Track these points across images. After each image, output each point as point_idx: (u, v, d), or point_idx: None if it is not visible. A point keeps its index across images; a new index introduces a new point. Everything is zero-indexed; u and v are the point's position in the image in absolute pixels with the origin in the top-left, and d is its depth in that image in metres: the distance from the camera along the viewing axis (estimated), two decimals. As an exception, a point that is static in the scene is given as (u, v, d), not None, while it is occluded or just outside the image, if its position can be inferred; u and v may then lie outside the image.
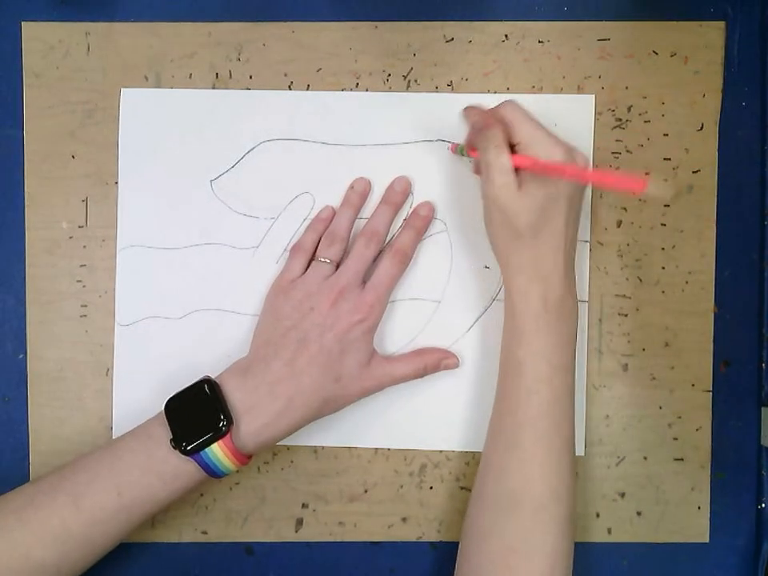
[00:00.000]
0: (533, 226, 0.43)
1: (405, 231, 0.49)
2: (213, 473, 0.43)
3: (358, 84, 0.50)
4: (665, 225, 0.50)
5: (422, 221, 0.49)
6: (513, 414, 0.44)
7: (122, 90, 0.50)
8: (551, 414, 0.44)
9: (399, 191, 0.49)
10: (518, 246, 0.44)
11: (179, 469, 0.43)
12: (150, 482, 0.43)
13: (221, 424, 0.42)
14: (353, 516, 0.50)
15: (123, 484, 0.42)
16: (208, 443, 0.42)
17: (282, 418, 0.44)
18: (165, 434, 0.43)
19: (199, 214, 0.50)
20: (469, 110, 0.46)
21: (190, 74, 0.50)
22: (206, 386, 0.44)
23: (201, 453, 0.42)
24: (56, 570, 0.42)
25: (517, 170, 0.43)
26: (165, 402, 0.44)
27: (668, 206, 0.50)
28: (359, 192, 0.49)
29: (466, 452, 0.50)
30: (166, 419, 0.43)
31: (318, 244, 0.48)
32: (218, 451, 0.42)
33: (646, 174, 0.50)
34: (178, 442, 0.42)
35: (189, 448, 0.42)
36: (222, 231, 0.50)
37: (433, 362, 0.48)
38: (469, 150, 0.47)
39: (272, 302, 0.47)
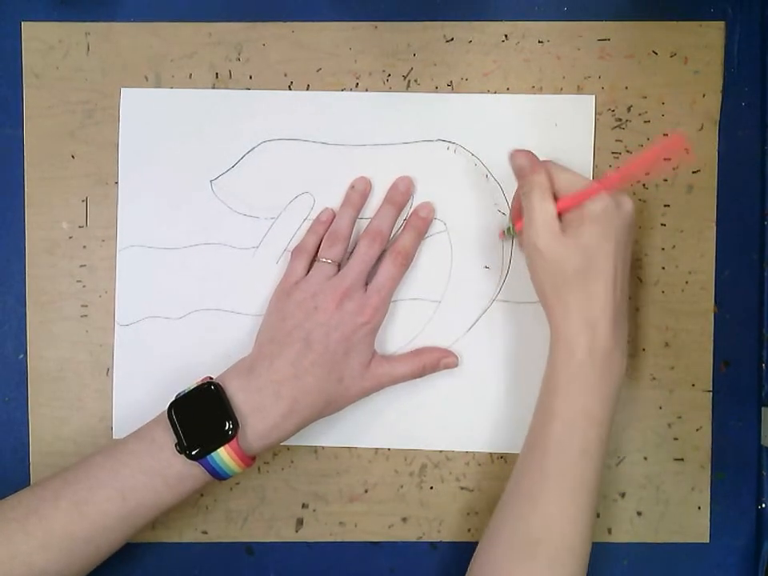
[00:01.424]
0: (579, 269, 0.42)
1: (405, 232, 0.49)
2: (218, 476, 0.43)
3: (357, 84, 0.50)
4: (665, 225, 0.50)
5: (423, 221, 0.49)
6: (539, 463, 0.43)
7: (121, 89, 0.50)
8: (579, 469, 0.42)
9: (402, 191, 0.49)
10: (565, 292, 0.43)
11: (184, 473, 0.43)
12: (155, 487, 0.42)
13: (227, 428, 0.42)
14: (353, 516, 0.50)
15: (127, 489, 0.42)
16: (214, 448, 0.42)
17: (287, 419, 0.44)
18: (169, 437, 0.43)
19: (199, 214, 0.50)
20: (515, 153, 0.45)
21: (190, 74, 0.50)
22: (210, 388, 0.44)
23: (207, 457, 0.42)
24: (58, 575, 0.42)
25: (560, 216, 0.43)
26: (168, 405, 0.44)
27: (668, 206, 0.50)
28: (360, 191, 0.49)
29: (466, 452, 0.50)
30: (169, 423, 0.43)
31: (319, 246, 0.48)
32: (224, 455, 0.42)
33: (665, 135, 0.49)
34: (183, 447, 0.42)
35: (194, 453, 0.42)
36: (222, 231, 0.50)
37: (432, 361, 0.48)
38: (516, 220, 0.47)
39: (276, 303, 0.47)
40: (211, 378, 0.45)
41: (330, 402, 0.45)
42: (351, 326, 0.45)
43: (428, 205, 0.49)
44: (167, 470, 0.42)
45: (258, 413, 0.43)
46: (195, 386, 0.44)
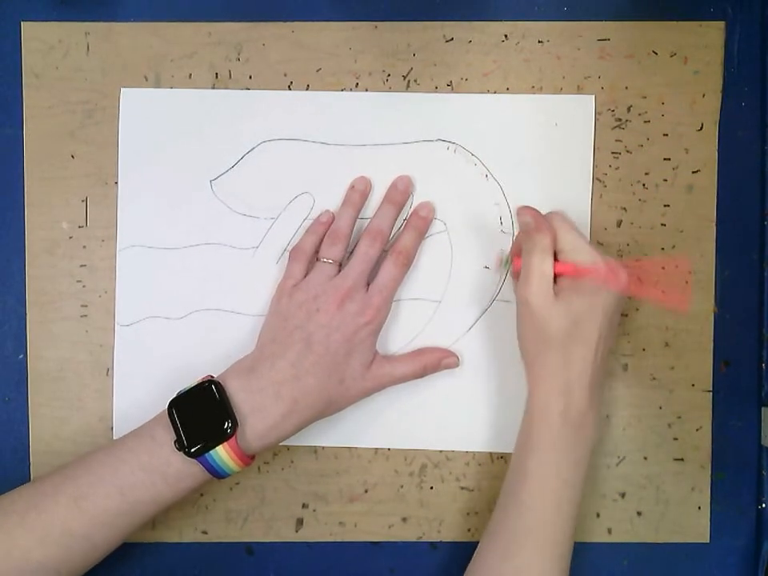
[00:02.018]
0: (564, 333, 0.43)
1: (406, 232, 0.49)
2: (217, 474, 0.43)
3: (357, 84, 0.50)
4: (665, 225, 0.50)
5: (423, 221, 0.49)
6: (513, 523, 0.44)
7: (121, 89, 0.50)
8: (553, 528, 0.43)
9: (401, 190, 0.49)
10: (547, 354, 0.44)
11: (183, 470, 0.43)
12: (154, 484, 0.43)
13: (226, 426, 0.42)
14: (353, 516, 0.50)
15: (126, 486, 0.42)
16: (213, 446, 0.42)
17: (287, 420, 0.44)
18: (168, 435, 0.43)
19: (199, 214, 0.50)
20: (522, 210, 0.45)
21: (190, 74, 0.50)
22: (210, 386, 0.44)
23: (205, 455, 0.42)
24: (56, 571, 0.42)
25: (555, 278, 0.44)
26: (168, 402, 0.44)
27: (668, 205, 0.50)
28: (360, 191, 0.49)
29: (466, 452, 0.50)
30: (169, 420, 0.43)
31: (319, 247, 0.48)
32: (222, 453, 0.42)
33: (686, 282, 0.49)
34: (182, 445, 0.42)
35: (193, 450, 0.42)
36: (222, 231, 0.50)
37: (432, 361, 0.48)
38: (515, 256, 0.47)
39: (277, 304, 0.47)
40: (212, 377, 0.45)
41: (331, 402, 0.45)
42: (353, 326, 0.45)
43: (428, 204, 0.49)
44: (166, 468, 0.43)
45: (257, 412, 0.44)
46: (196, 384, 0.44)
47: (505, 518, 0.44)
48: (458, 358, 0.49)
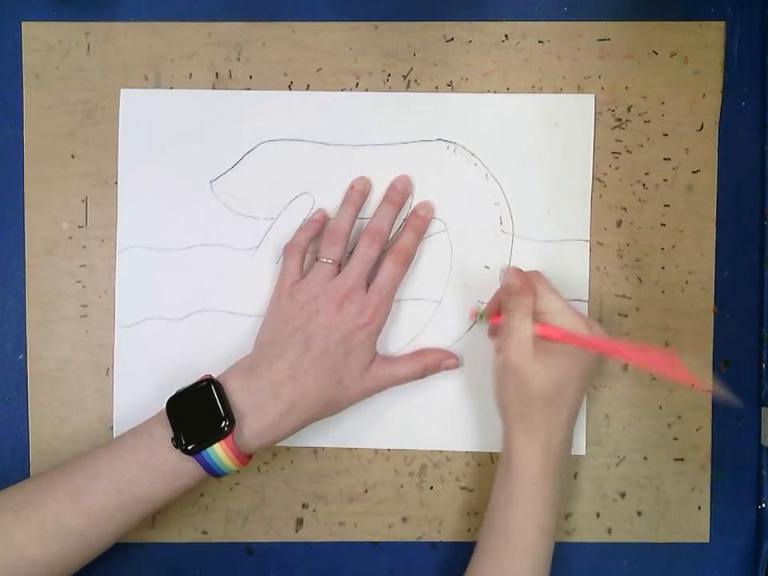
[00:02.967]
0: (547, 394, 0.44)
1: (405, 232, 0.49)
2: (213, 472, 0.43)
3: (357, 84, 0.50)
4: (665, 225, 0.50)
5: (422, 221, 0.49)
6: (492, 573, 0.44)
7: (121, 90, 0.50)
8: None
9: (400, 190, 0.49)
10: (526, 411, 0.44)
11: (180, 468, 0.43)
12: (151, 481, 0.43)
13: (223, 425, 0.42)
14: (353, 516, 0.50)
15: (123, 482, 0.42)
16: (209, 443, 0.42)
17: (284, 420, 0.44)
18: (166, 432, 0.43)
19: (199, 214, 0.50)
20: (511, 271, 0.45)
21: (190, 74, 0.50)
22: (208, 385, 0.44)
23: (202, 453, 0.42)
24: (50, 567, 0.42)
25: (538, 337, 0.44)
26: (166, 400, 0.44)
27: (668, 205, 0.50)
28: (360, 191, 0.49)
29: (466, 452, 0.50)
30: (167, 418, 0.43)
31: (316, 246, 0.48)
32: (219, 451, 0.42)
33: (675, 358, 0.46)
34: (179, 442, 0.42)
35: (190, 448, 0.42)
36: (222, 232, 0.50)
37: (433, 362, 0.48)
38: (491, 315, 0.47)
39: (276, 304, 0.47)
40: (211, 377, 0.45)
41: (330, 403, 0.45)
42: (352, 327, 0.45)
43: (426, 204, 0.49)
44: (163, 465, 0.43)
45: (256, 412, 0.44)
46: (194, 382, 0.45)
47: (487, 570, 0.45)
48: (458, 359, 0.49)
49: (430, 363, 0.48)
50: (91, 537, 0.43)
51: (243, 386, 0.44)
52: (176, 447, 0.42)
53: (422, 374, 0.48)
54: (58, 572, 0.42)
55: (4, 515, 0.42)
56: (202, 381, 0.44)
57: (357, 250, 0.47)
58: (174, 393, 0.44)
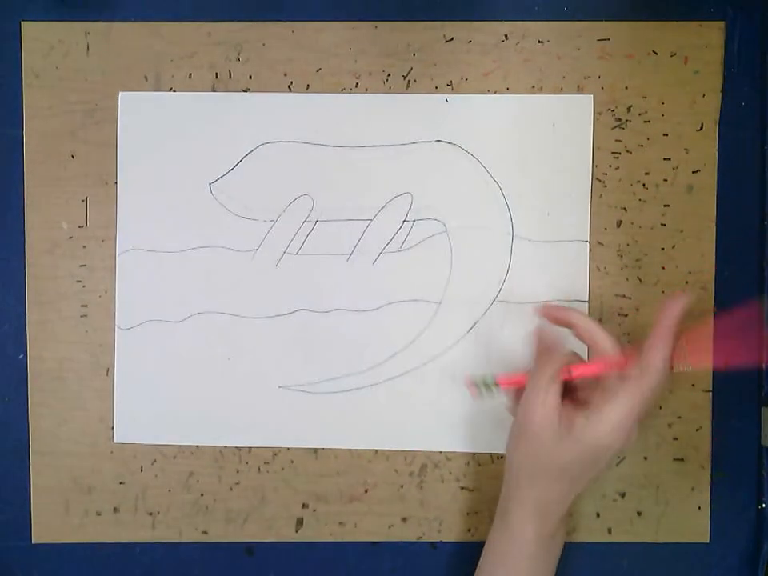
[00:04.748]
0: (561, 468, 0.42)
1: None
2: None
3: (357, 84, 0.50)
4: (665, 225, 0.50)
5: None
6: None
7: (120, 93, 0.50)
8: None
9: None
10: (535, 481, 0.43)
11: None
12: None
13: None
14: (353, 516, 0.50)
15: None
16: None
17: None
18: None
19: (198, 216, 0.50)
20: (546, 309, 0.45)
21: (190, 74, 0.50)
22: None
23: None
24: None
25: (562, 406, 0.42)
26: None
27: (668, 205, 0.50)
28: None
29: (466, 452, 0.50)
30: None
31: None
32: None
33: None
34: None
35: None
36: (222, 234, 0.50)
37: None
38: (501, 380, 0.45)
39: None
40: None
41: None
42: None
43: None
44: None
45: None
46: None
47: None
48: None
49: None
50: None
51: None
52: None
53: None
54: None
55: None
56: None
57: None
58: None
